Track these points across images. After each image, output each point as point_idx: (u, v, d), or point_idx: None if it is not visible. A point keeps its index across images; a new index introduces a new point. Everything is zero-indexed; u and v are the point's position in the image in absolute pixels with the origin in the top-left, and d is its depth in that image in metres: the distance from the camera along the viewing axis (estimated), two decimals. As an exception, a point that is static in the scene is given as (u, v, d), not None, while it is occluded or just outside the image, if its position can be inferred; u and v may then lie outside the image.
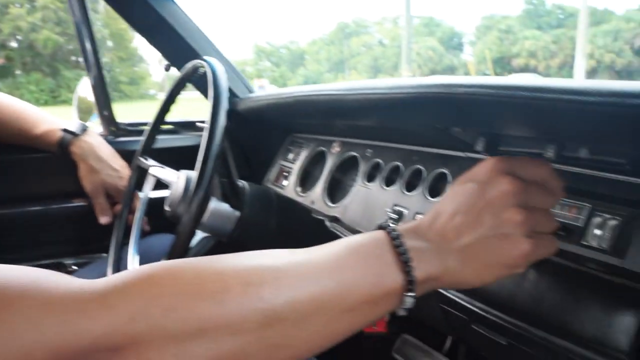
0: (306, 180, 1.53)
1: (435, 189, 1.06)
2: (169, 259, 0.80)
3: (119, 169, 1.37)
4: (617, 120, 0.51)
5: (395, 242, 0.55)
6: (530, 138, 0.74)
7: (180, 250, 0.80)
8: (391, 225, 0.58)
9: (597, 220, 0.76)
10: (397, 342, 1.55)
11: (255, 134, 1.70)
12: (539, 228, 0.60)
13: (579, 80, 0.54)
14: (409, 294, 0.55)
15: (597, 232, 0.75)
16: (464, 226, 0.57)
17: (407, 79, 0.80)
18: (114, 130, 1.57)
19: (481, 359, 1.14)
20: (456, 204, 0.59)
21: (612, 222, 0.74)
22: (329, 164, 1.41)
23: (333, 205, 1.31)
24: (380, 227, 0.59)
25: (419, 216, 1.03)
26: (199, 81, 1.12)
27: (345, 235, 1.13)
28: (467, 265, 0.58)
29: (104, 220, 1.38)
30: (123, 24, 1.48)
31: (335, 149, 1.41)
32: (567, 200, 0.81)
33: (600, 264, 0.72)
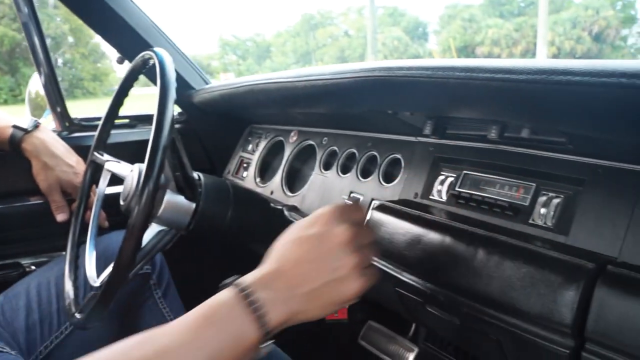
0: (266, 170, 1.53)
1: (389, 175, 1.07)
2: (120, 253, 0.79)
3: (75, 165, 1.33)
4: (547, 97, 0.53)
5: (248, 300, 0.60)
6: (475, 120, 0.76)
7: (131, 244, 0.78)
8: (240, 281, 0.63)
9: (542, 199, 0.78)
10: (363, 329, 1.57)
11: (214, 126, 1.68)
12: (367, 263, 0.68)
13: (510, 60, 0.55)
14: (265, 343, 0.61)
15: (543, 210, 0.77)
16: (307, 274, 0.64)
17: (352, 64, 0.80)
18: (67, 125, 1.53)
19: (439, 340, 1.16)
20: (300, 253, 0.65)
21: (556, 200, 0.76)
22: (287, 153, 1.41)
23: (291, 194, 1.32)
24: (225, 286, 0.64)
25: (375, 202, 1.04)
26: (150, 73, 1.10)
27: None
28: (312, 305, 0.65)
29: (60, 217, 1.35)
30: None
31: (293, 138, 1.41)
32: (514, 180, 0.83)
33: (546, 241, 0.74)
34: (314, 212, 0.70)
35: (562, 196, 0.76)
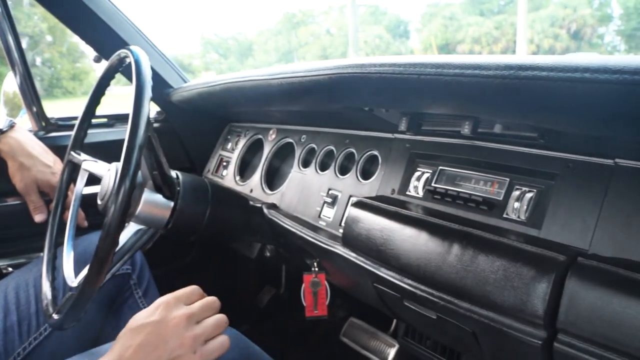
0: (245, 168, 1.53)
1: (367, 171, 1.08)
2: (97, 252, 0.78)
3: (52, 165, 1.32)
4: (515, 92, 0.53)
5: None
6: (449, 116, 0.77)
7: (107, 243, 0.78)
8: None
9: (515, 193, 0.79)
10: (345, 325, 1.58)
11: (193, 125, 1.68)
12: (211, 335, 0.75)
13: (481, 56, 0.56)
14: None
15: (516, 204, 0.79)
16: (146, 358, 0.70)
17: (327, 61, 0.81)
18: (44, 125, 1.51)
19: (418, 335, 1.17)
20: (139, 339, 0.71)
21: (529, 195, 0.78)
22: (266, 151, 1.41)
23: (271, 192, 1.32)
24: None
25: (353, 198, 1.04)
26: (127, 71, 1.10)
27: (282, 222, 1.14)
28: None
29: (38, 218, 1.33)
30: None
31: (272, 136, 1.41)
32: (488, 175, 0.84)
33: (519, 235, 0.75)
34: (155, 301, 0.77)
35: (534, 190, 0.77)
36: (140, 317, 0.74)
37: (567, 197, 0.72)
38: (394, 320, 1.48)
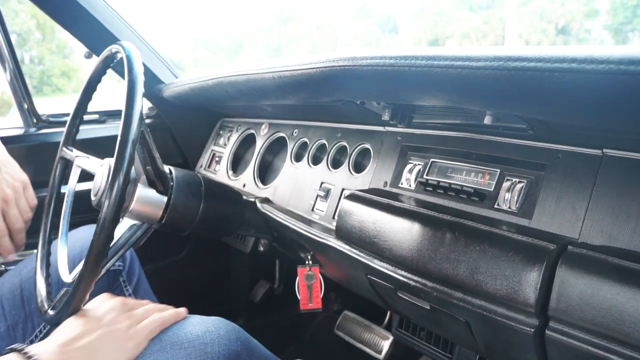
0: (238, 163, 1.53)
1: (359, 164, 1.09)
2: (91, 248, 0.78)
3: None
4: (504, 83, 0.54)
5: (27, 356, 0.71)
6: (440, 108, 0.77)
7: (102, 238, 0.78)
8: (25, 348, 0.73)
9: (506, 184, 0.81)
10: (339, 319, 1.59)
11: (186, 120, 1.68)
12: (143, 317, 0.85)
13: (470, 48, 0.57)
14: None
15: (507, 195, 0.80)
16: (83, 331, 0.77)
17: (318, 54, 0.81)
18: (35, 122, 1.51)
19: (412, 327, 1.18)
20: (77, 321, 0.79)
21: (519, 185, 0.79)
22: (259, 145, 1.41)
23: (264, 186, 1.32)
24: (14, 350, 0.73)
25: (346, 191, 1.05)
26: (118, 67, 1.09)
27: (276, 216, 1.14)
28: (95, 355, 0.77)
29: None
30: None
31: (264, 130, 1.42)
32: (479, 167, 0.85)
33: (510, 225, 0.76)
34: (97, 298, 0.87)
35: (524, 181, 0.78)
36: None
37: (556, 187, 0.73)
38: (388, 313, 1.49)
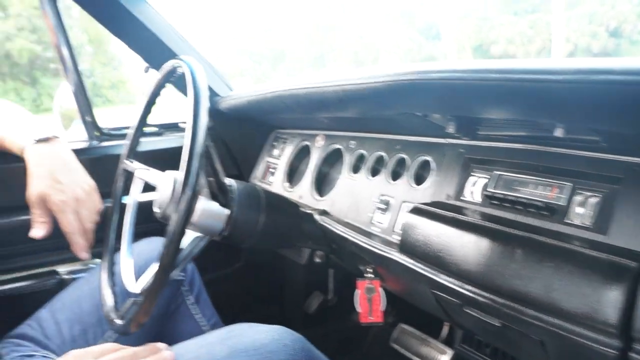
0: (293, 175, 1.54)
1: (420, 177, 1.07)
2: (162, 259, 0.80)
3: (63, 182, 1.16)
4: (585, 96, 0.53)
5: None
6: (506, 120, 0.76)
7: (171, 250, 0.80)
8: None
9: (578, 198, 0.78)
10: (394, 331, 1.57)
11: (240, 132, 1.70)
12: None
13: (546, 60, 0.55)
14: None
15: (580, 210, 0.77)
16: None
17: (383, 67, 0.81)
18: (97, 135, 1.56)
19: (476, 342, 1.16)
20: None
21: (593, 200, 0.76)
22: (314, 157, 1.41)
23: (321, 198, 1.32)
24: None
25: (407, 204, 1.04)
26: (178, 81, 1.11)
27: (335, 228, 1.14)
28: None
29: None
30: (101, 28, 1.45)
31: (319, 142, 1.42)
32: (547, 179, 0.83)
33: (585, 241, 0.74)
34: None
35: (599, 195, 0.75)
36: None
37: (634, 202, 0.70)
38: (445, 327, 1.46)
